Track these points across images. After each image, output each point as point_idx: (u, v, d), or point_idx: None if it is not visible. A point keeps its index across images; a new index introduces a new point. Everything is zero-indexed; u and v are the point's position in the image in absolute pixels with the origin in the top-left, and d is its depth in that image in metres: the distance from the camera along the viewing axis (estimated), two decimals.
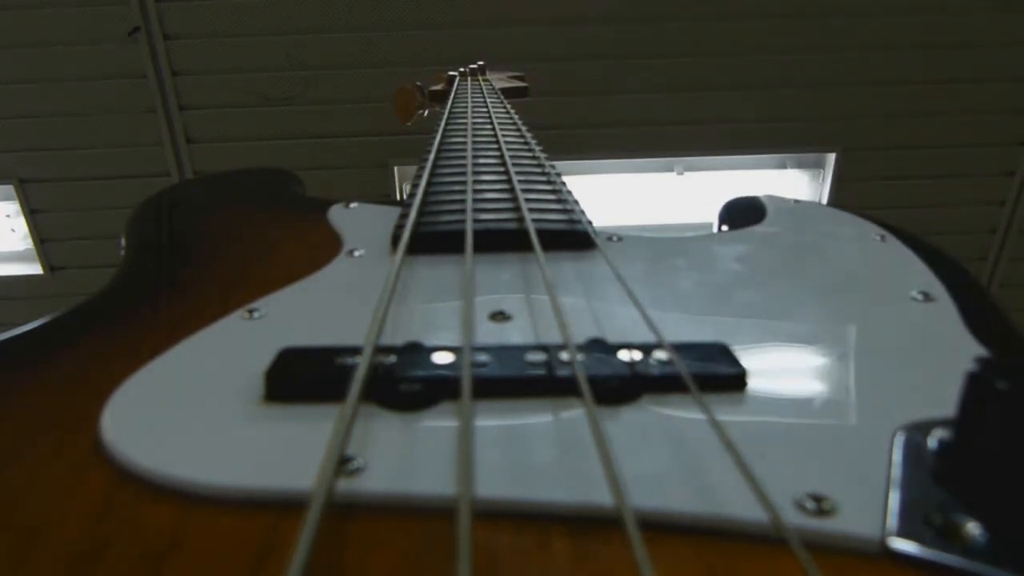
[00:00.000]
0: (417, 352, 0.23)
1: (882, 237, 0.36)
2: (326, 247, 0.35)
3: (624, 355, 0.23)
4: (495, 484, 0.18)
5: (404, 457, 0.19)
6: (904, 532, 0.16)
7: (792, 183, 1.72)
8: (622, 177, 1.72)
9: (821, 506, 0.17)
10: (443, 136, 0.51)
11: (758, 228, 0.39)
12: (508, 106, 0.63)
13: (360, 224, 0.39)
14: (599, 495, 0.17)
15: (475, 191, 0.38)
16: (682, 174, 1.71)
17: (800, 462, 0.19)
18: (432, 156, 0.46)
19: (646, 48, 1.48)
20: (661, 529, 0.17)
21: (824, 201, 1.68)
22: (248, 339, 0.26)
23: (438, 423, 0.20)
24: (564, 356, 0.22)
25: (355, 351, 0.23)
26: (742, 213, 0.41)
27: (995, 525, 0.16)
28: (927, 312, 0.28)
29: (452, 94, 0.71)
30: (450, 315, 0.27)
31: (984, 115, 1.55)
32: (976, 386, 0.17)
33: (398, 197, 1.49)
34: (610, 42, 1.46)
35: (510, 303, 0.27)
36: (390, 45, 1.39)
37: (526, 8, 1.41)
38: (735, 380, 0.22)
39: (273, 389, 0.22)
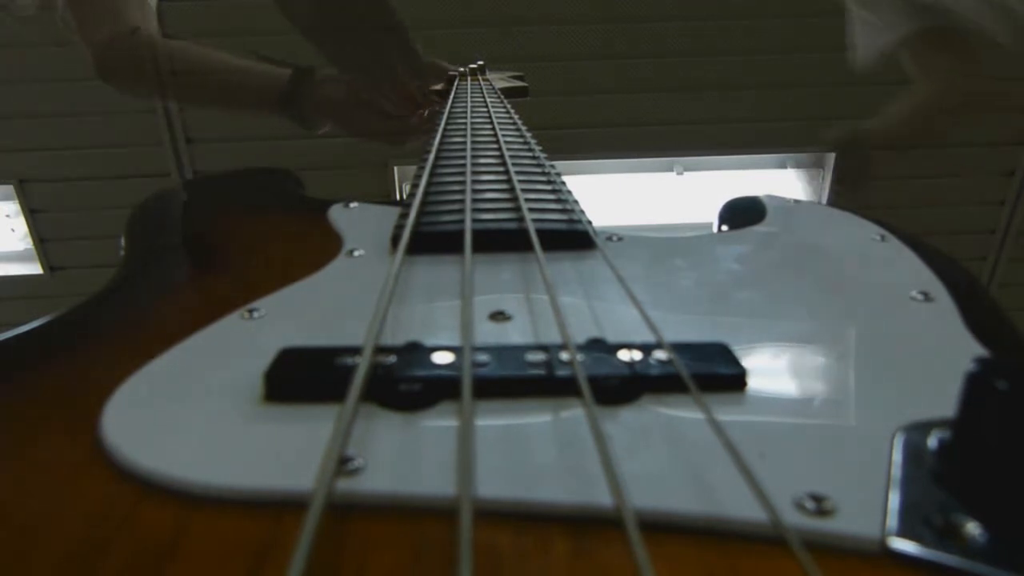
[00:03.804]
0: (417, 352, 0.23)
1: (882, 237, 0.36)
2: (326, 247, 0.35)
3: (624, 355, 0.23)
4: (495, 484, 0.18)
5: (404, 457, 0.19)
6: (904, 532, 0.16)
7: (792, 183, 1.72)
8: (622, 177, 1.72)
9: (821, 506, 0.17)
10: (443, 136, 0.51)
11: (758, 228, 0.39)
12: (508, 106, 0.63)
13: (360, 224, 0.39)
14: (599, 495, 0.17)
15: (475, 191, 0.38)
16: (682, 174, 1.71)
17: (800, 462, 0.19)
18: (432, 156, 0.46)
19: (646, 48, 1.47)
20: (661, 529, 0.17)
21: (824, 201, 1.68)
22: (248, 339, 0.26)
23: (438, 423, 0.20)
24: (564, 356, 0.22)
25: (355, 351, 0.23)
26: (742, 213, 0.41)
27: (995, 525, 0.16)
28: (927, 312, 0.28)
29: (452, 94, 0.71)
30: (450, 315, 0.27)
31: (984, 115, 1.55)
32: (976, 386, 0.17)
33: (398, 197, 1.49)
34: (610, 42, 1.46)
35: (510, 303, 0.27)
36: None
37: (526, 8, 1.41)
38: (735, 380, 0.22)
39: (273, 389, 0.22)
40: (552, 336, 0.24)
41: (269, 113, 0.78)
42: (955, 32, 0.86)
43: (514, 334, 0.25)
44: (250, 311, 0.27)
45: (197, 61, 0.77)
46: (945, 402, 0.19)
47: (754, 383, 0.22)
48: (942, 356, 0.25)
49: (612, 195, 1.70)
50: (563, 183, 0.41)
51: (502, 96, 0.69)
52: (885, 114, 0.88)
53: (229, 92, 0.79)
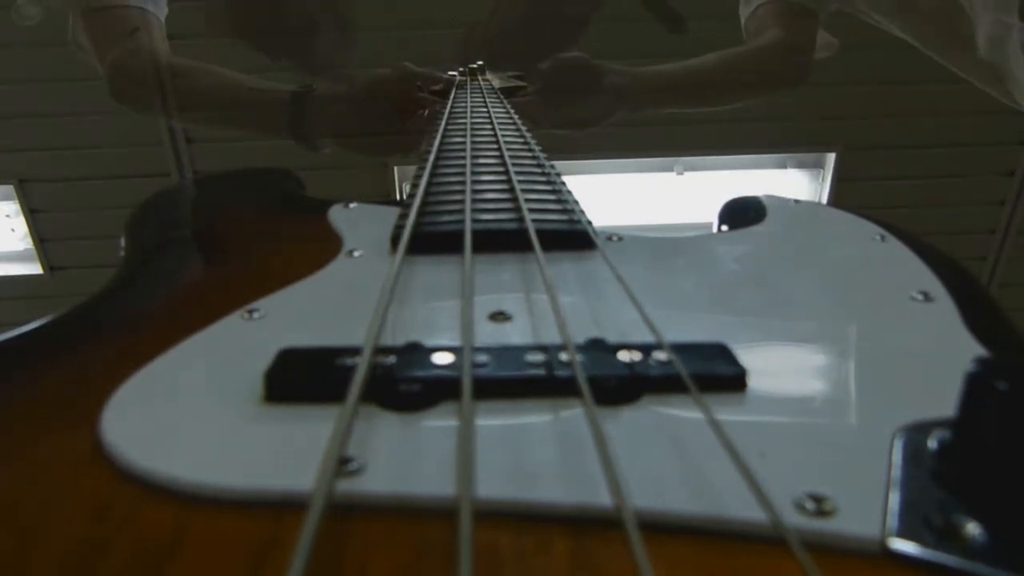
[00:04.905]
0: (417, 352, 0.23)
1: (882, 237, 0.36)
2: (326, 247, 0.35)
3: (624, 355, 0.23)
4: (495, 485, 0.18)
5: (404, 457, 0.19)
6: (904, 532, 0.16)
7: (792, 183, 1.72)
8: (622, 177, 1.72)
9: (821, 506, 0.17)
10: (443, 136, 0.51)
11: (758, 228, 0.39)
12: (508, 106, 0.63)
13: (360, 224, 0.39)
14: (599, 495, 0.17)
15: (475, 191, 0.38)
16: (682, 174, 1.71)
17: (800, 462, 0.19)
18: (432, 156, 0.46)
19: (647, 47, 1.47)
20: (661, 529, 0.17)
21: (824, 201, 1.69)
22: (248, 339, 0.26)
23: (438, 423, 0.20)
24: (564, 356, 0.22)
25: (355, 351, 0.22)
26: (742, 213, 0.41)
27: (995, 525, 0.16)
28: (927, 312, 0.28)
29: (452, 94, 0.71)
30: (450, 315, 0.27)
31: (984, 115, 1.55)
32: (976, 386, 0.17)
33: (398, 197, 1.49)
34: (610, 41, 1.46)
35: (510, 303, 0.27)
36: (390, 45, 1.39)
37: None
38: (735, 380, 0.22)
39: (273, 390, 0.22)
40: (552, 336, 0.24)
41: (272, 133, 0.78)
42: (809, 14, 0.83)
43: (514, 334, 0.25)
44: (250, 311, 0.27)
45: (201, 79, 0.77)
46: (945, 402, 0.19)
47: (754, 383, 0.22)
48: (942, 356, 0.25)
49: (612, 195, 1.71)
50: (563, 183, 0.41)
51: (502, 96, 0.69)
52: (671, 66, 0.85)
53: (233, 113, 0.79)
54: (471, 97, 0.68)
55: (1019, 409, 0.17)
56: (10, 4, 1.27)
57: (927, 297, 0.29)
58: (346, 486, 0.17)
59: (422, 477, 0.18)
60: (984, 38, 0.64)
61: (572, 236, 0.34)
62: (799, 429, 0.21)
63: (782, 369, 0.25)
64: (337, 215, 0.41)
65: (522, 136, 0.51)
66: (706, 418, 0.19)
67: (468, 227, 0.33)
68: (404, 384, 0.21)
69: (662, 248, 0.36)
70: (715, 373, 0.22)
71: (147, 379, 0.23)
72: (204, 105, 0.79)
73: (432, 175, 0.42)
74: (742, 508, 0.17)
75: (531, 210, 0.35)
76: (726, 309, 0.29)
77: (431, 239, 0.33)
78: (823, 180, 1.69)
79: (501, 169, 0.43)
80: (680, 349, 0.23)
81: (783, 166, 1.72)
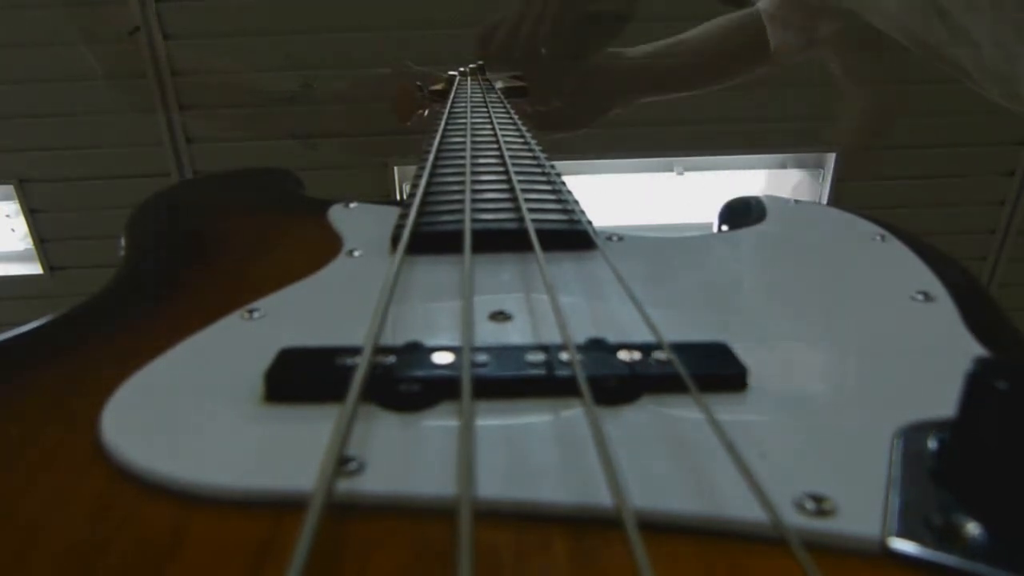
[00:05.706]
0: (417, 352, 0.23)
1: (882, 237, 0.36)
2: (326, 247, 0.35)
3: (624, 355, 0.23)
4: (495, 484, 0.18)
5: (404, 457, 0.19)
6: (904, 532, 0.16)
7: (792, 183, 1.72)
8: (622, 177, 1.72)
9: (821, 506, 0.17)
10: (443, 136, 0.51)
11: (758, 228, 0.39)
12: (508, 106, 0.63)
13: (360, 224, 0.39)
14: (599, 495, 0.17)
15: (475, 191, 0.38)
16: (682, 174, 1.71)
17: (800, 462, 0.19)
18: (432, 156, 0.46)
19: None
20: (661, 529, 0.17)
21: (824, 201, 1.68)
22: (248, 339, 0.26)
23: (438, 423, 0.20)
24: (564, 356, 0.22)
25: (355, 351, 0.22)
26: (742, 213, 0.41)
27: (995, 525, 0.16)
28: (927, 312, 0.28)
29: (452, 94, 0.71)
30: (450, 315, 0.27)
31: (984, 115, 1.55)
32: (976, 386, 0.17)
33: (398, 197, 1.49)
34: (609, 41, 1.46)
35: (510, 303, 0.27)
36: (391, 45, 1.38)
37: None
38: (735, 380, 0.22)
39: (273, 389, 0.22)
40: (552, 336, 0.24)
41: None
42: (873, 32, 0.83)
43: (514, 334, 0.25)
44: (250, 311, 0.27)
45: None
46: (945, 402, 0.19)
47: (754, 383, 0.22)
48: (942, 356, 0.25)
49: (612, 195, 1.70)
50: (563, 183, 0.41)
51: (502, 96, 0.69)
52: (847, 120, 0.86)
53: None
54: (471, 96, 0.68)
55: (1019, 409, 0.17)
56: (11, 5, 1.27)
57: (927, 297, 0.29)
58: (346, 486, 0.17)
59: (422, 477, 0.18)
60: (991, 43, 0.64)
61: (572, 236, 0.34)
62: (799, 429, 0.21)
63: (782, 369, 0.25)
64: (337, 215, 0.41)
65: (522, 136, 0.51)
66: (706, 418, 0.19)
67: (468, 227, 0.33)
68: (404, 384, 0.21)
69: (662, 248, 0.36)
70: (715, 373, 0.22)
71: (147, 379, 0.23)
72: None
73: (432, 175, 0.42)
74: (742, 508, 0.17)
75: (531, 210, 0.35)
76: (726, 309, 0.29)
77: (431, 239, 0.33)
78: (823, 180, 1.69)
79: (501, 169, 0.43)
80: (680, 349, 0.23)
81: (783, 166, 1.72)
